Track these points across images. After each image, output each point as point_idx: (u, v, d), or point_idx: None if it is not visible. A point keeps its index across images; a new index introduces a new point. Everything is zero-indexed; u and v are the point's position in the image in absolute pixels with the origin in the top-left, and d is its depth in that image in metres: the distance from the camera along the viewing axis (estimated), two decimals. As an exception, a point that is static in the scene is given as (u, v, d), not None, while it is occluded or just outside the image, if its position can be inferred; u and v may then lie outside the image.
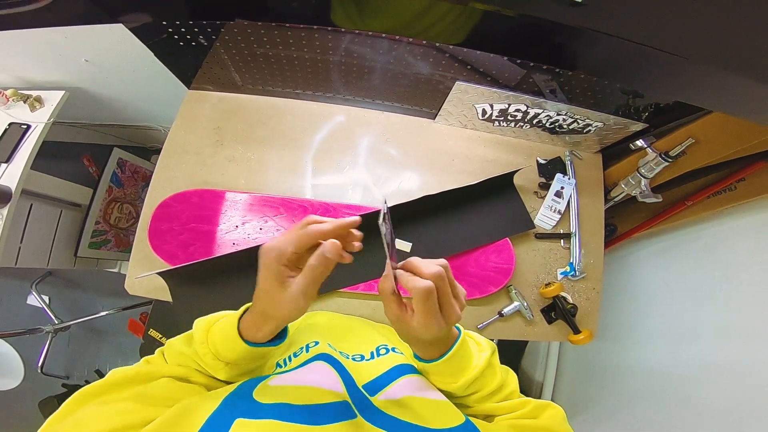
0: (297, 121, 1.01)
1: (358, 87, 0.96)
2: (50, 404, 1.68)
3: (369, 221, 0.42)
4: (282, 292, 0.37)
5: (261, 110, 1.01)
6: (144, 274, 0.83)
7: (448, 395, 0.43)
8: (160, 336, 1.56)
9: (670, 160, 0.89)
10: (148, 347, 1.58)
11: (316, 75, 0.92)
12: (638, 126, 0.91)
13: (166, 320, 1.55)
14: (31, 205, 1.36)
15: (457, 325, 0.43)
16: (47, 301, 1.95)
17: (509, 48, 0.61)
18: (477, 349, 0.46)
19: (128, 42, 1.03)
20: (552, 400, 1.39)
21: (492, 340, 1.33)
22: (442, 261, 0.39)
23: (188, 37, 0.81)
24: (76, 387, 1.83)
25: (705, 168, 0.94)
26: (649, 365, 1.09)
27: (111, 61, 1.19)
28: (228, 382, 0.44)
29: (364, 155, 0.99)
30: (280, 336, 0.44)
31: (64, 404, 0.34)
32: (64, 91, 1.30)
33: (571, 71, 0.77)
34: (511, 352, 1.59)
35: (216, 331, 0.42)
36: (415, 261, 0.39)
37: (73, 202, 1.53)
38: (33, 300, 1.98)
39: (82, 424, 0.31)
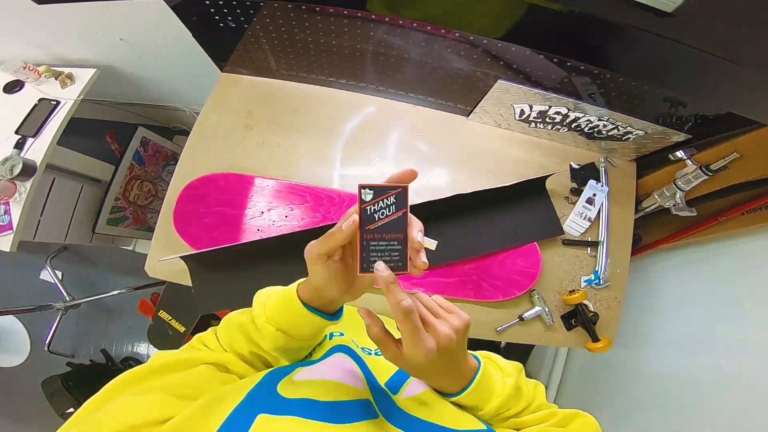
0: (328, 109, 1.00)
1: (392, 78, 0.94)
2: (54, 383, 1.70)
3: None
4: (320, 267, 0.38)
5: (293, 97, 1.01)
6: (167, 257, 0.83)
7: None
8: (170, 318, 1.57)
9: (711, 173, 0.86)
10: (157, 329, 1.58)
11: (351, 63, 0.91)
12: (681, 137, 0.88)
13: (177, 303, 1.55)
14: (54, 179, 1.38)
15: (476, 354, 0.44)
16: (60, 277, 1.97)
17: (556, 46, 0.59)
18: (501, 375, 0.44)
19: (165, 21, 1.03)
20: (554, 403, 1.38)
21: (501, 343, 1.29)
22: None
23: (229, 17, 0.80)
24: (80, 366, 1.86)
25: (743, 184, 0.92)
26: (660, 374, 1.08)
27: (146, 40, 1.20)
28: (265, 365, 0.44)
29: (393, 148, 0.98)
30: (335, 315, 0.45)
31: (102, 390, 0.34)
32: (95, 69, 1.31)
33: (619, 74, 0.75)
34: (516, 354, 1.58)
35: (274, 295, 0.44)
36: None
37: (95, 178, 1.55)
38: (46, 275, 2.00)
39: (112, 416, 0.31)
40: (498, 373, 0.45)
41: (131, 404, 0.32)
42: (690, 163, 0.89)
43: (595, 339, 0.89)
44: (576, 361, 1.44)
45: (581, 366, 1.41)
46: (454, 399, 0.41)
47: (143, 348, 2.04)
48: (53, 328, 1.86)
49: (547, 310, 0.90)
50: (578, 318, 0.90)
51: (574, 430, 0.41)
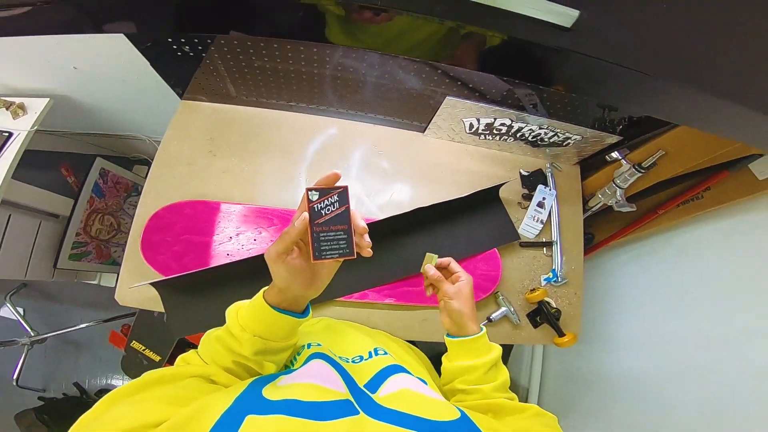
0: (291, 133, 1.03)
1: (350, 100, 0.99)
2: (27, 416, 1.62)
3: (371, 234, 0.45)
4: (281, 266, 0.44)
5: (255, 122, 1.03)
6: (138, 284, 0.82)
7: (464, 370, 0.58)
8: (143, 348, 1.53)
9: (643, 171, 0.95)
10: (131, 359, 1.54)
11: (309, 88, 0.94)
12: (613, 138, 0.97)
13: (150, 332, 1.51)
14: (10, 216, 1.32)
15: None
16: (22, 313, 1.87)
17: (494, 66, 0.64)
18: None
19: (120, 50, 1.02)
20: (538, 404, 1.44)
21: None
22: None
23: (185, 46, 0.82)
24: (53, 399, 1.78)
25: (675, 178, 1.00)
26: (627, 367, 1.14)
27: (101, 68, 1.18)
28: (250, 373, 0.48)
29: (356, 167, 1.02)
30: (303, 312, 0.49)
31: (97, 403, 0.36)
32: (48, 99, 1.27)
33: (550, 87, 0.82)
34: None
35: (244, 307, 0.48)
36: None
37: (53, 213, 1.49)
38: (7, 312, 1.90)
39: (109, 421, 0.33)
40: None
41: (126, 410, 0.35)
42: (624, 162, 0.97)
43: (561, 334, 0.94)
44: (553, 360, 1.50)
45: (557, 366, 1.47)
46: (474, 337, 0.59)
47: (117, 380, 1.97)
48: (20, 363, 1.76)
49: (512, 309, 0.95)
50: (542, 315, 0.96)
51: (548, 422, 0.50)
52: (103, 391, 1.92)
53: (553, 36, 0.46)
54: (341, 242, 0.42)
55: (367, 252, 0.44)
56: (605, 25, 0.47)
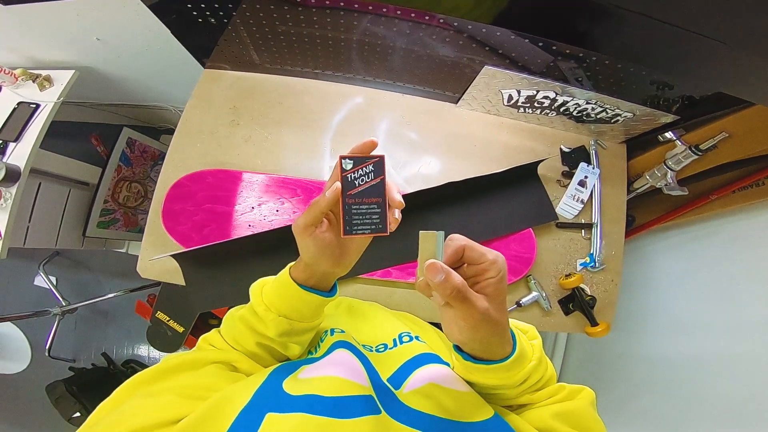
0: (315, 101, 0.98)
1: (378, 68, 0.93)
2: (58, 388, 1.69)
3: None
4: (309, 239, 0.40)
5: (278, 90, 0.99)
6: (157, 256, 0.82)
7: (483, 387, 0.41)
8: (168, 319, 1.56)
9: (700, 153, 0.87)
10: (156, 330, 1.58)
11: (336, 54, 0.89)
12: (669, 118, 0.88)
13: (174, 303, 1.54)
14: (40, 184, 1.35)
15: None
16: (54, 282, 1.95)
17: (540, 28, 0.58)
18: (525, 340, 0.42)
19: (142, 19, 1.00)
20: None
21: None
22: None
23: (207, 12, 0.78)
24: (83, 370, 1.86)
25: (733, 162, 0.92)
26: (661, 356, 1.09)
27: (123, 39, 1.17)
28: (273, 355, 0.46)
29: (383, 138, 0.97)
30: (330, 291, 0.46)
31: (115, 392, 0.35)
32: (74, 71, 1.28)
33: (605, 56, 0.74)
34: None
35: (269, 283, 0.46)
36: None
37: (82, 181, 1.52)
38: (40, 281, 1.98)
39: (125, 418, 0.32)
40: (524, 336, 0.43)
41: (143, 406, 0.33)
42: (679, 143, 0.90)
43: (594, 323, 0.89)
44: (576, 346, 1.45)
45: (581, 351, 1.42)
46: (504, 363, 0.37)
47: (143, 350, 2.04)
48: (52, 333, 1.85)
49: (544, 295, 0.91)
50: (575, 302, 0.91)
51: (581, 402, 0.41)
52: (130, 362, 2.00)
53: None
54: (374, 217, 0.39)
55: (393, 227, 0.40)
56: None
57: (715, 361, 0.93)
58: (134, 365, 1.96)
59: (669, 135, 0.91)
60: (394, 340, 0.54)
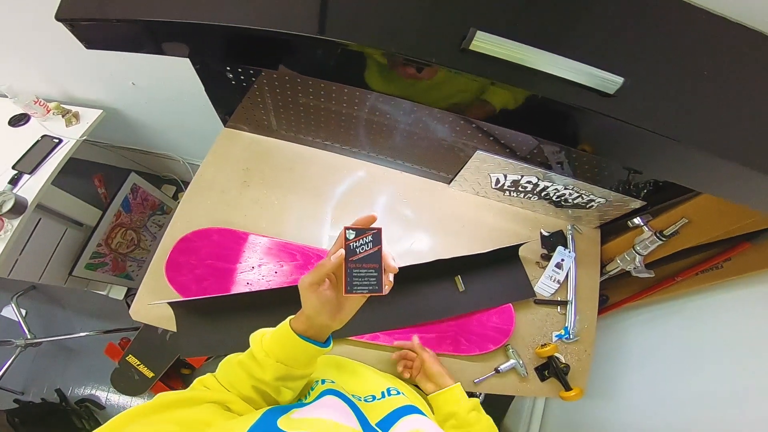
0: (322, 171, 1.07)
1: (381, 145, 1.03)
2: None
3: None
4: (313, 294, 0.47)
5: (289, 156, 1.08)
6: (157, 302, 0.84)
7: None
8: (138, 363, 1.52)
9: (664, 239, 0.94)
10: (122, 373, 1.53)
11: (345, 128, 1.00)
12: (637, 203, 0.99)
13: (149, 348, 1.51)
14: (40, 220, 1.37)
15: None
16: (23, 315, 1.88)
17: (527, 125, 0.67)
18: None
19: (177, 72, 1.07)
20: None
21: (479, 395, 1.31)
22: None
23: (240, 75, 0.88)
24: (29, 403, 1.73)
25: (695, 247, 1.00)
26: (632, 424, 1.11)
27: (155, 87, 1.24)
28: (267, 401, 0.49)
29: (380, 212, 1.05)
30: (326, 342, 0.52)
31: (110, 421, 0.36)
32: (101, 111, 1.34)
33: (579, 147, 0.84)
34: (495, 408, 1.57)
35: (270, 333, 0.51)
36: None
37: (80, 222, 1.54)
38: (9, 312, 1.90)
39: None
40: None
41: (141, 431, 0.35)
42: (646, 229, 0.97)
43: (568, 388, 0.93)
44: (553, 415, 1.45)
45: (558, 419, 1.42)
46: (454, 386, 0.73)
47: (102, 391, 1.92)
48: (7, 364, 1.74)
49: (521, 362, 0.95)
50: (551, 369, 0.95)
51: None
52: (85, 401, 1.88)
53: (595, 101, 0.49)
54: (371, 279, 0.45)
55: (388, 288, 0.47)
56: (647, 93, 0.51)
57: (675, 423, 0.97)
58: (89, 405, 1.84)
59: (637, 221, 0.98)
60: (382, 392, 0.58)
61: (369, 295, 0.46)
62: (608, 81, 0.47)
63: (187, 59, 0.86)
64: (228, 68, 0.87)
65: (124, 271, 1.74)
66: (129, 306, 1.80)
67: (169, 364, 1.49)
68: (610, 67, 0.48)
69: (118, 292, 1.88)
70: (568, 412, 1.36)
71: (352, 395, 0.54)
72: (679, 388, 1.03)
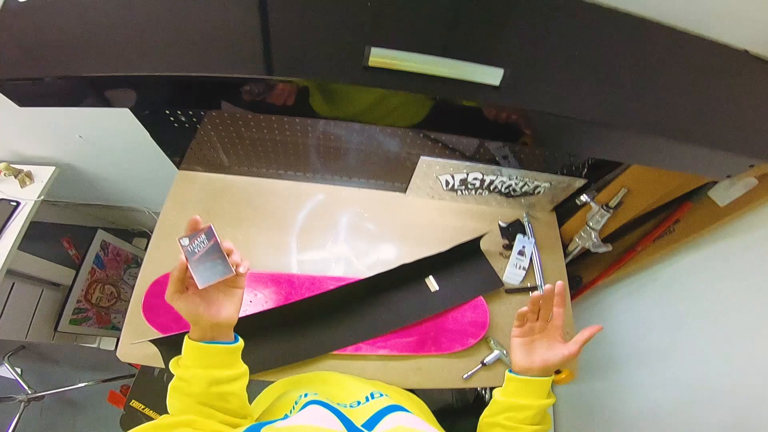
0: (281, 200, 1.09)
1: (335, 166, 1.06)
2: None
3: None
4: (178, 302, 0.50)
5: (247, 190, 1.09)
6: (138, 340, 0.85)
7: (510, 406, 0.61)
8: (143, 407, 1.53)
9: (611, 210, 0.99)
10: (130, 418, 1.54)
11: (296, 156, 1.02)
12: (579, 182, 1.04)
13: (149, 391, 1.52)
14: (13, 284, 1.36)
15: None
16: (19, 373, 1.87)
17: (457, 127, 0.68)
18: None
19: (123, 120, 1.02)
20: None
21: (484, 394, 1.32)
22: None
23: (182, 117, 0.89)
24: None
25: (645, 215, 1.06)
26: (638, 400, 1.16)
27: (104, 138, 1.22)
28: (222, 411, 0.52)
29: (344, 231, 1.08)
30: (233, 341, 0.55)
31: None
32: (54, 167, 1.30)
33: (514, 141, 0.89)
34: None
35: (182, 355, 0.54)
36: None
37: (55, 282, 1.53)
38: (5, 371, 1.89)
39: None
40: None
41: None
42: (594, 204, 1.02)
43: (557, 372, 0.95)
44: (563, 401, 1.50)
45: (569, 405, 1.47)
46: (546, 378, 0.62)
47: (117, 439, 1.94)
48: (14, 421, 1.74)
49: (504, 352, 0.98)
50: None
51: None
52: None
53: (487, 94, 0.53)
54: (218, 267, 0.49)
55: (244, 267, 0.52)
56: (533, 80, 0.55)
57: (688, 391, 1.01)
58: (106, 455, 1.85)
59: (584, 198, 1.02)
60: (366, 397, 0.60)
61: (224, 278, 0.49)
62: (490, 74, 0.52)
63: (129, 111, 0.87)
64: (169, 113, 0.88)
65: (109, 323, 1.75)
66: (121, 355, 1.82)
67: None
68: (494, 63, 0.52)
69: (108, 343, 1.89)
70: (578, 396, 1.41)
71: (337, 404, 0.55)
72: (673, 356, 1.07)
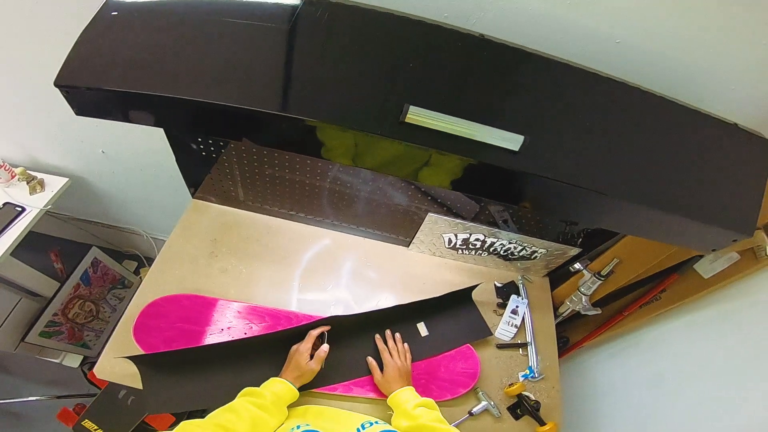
0: (288, 240, 1.13)
1: (344, 213, 1.11)
2: None
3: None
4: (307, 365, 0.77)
5: (257, 227, 1.13)
6: (124, 355, 0.82)
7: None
8: (95, 428, 1.43)
9: (603, 278, 1.06)
10: (77, 437, 1.42)
11: (309, 198, 1.07)
12: (574, 250, 1.11)
13: (107, 413, 1.42)
14: (-7, 288, 1.31)
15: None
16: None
17: (468, 187, 0.72)
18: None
19: (149, 141, 1.06)
20: None
21: None
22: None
23: (208, 143, 0.92)
24: None
25: (634, 283, 1.13)
26: None
27: (126, 157, 1.23)
28: None
29: (346, 276, 1.12)
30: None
31: None
32: (67, 179, 1.31)
33: (515, 204, 0.88)
34: None
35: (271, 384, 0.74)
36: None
37: (36, 293, 1.49)
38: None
39: None
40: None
41: None
42: (586, 272, 1.08)
43: (542, 423, 0.97)
44: None
45: None
46: (404, 389, 0.82)
47: (55, 457, 1.77)
48: None
49: (492, 403, 0.99)
50: (522, 407, 1.00)
51: None
52: None
53: (504, 158, 0.58)
54: None
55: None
56: (548, 148, 0.61)
57: None
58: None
59: (577, 266, 1.08)
60: (358, 429, 0.62)
61: None
62: (511, 140, 0.58)
63: (160, 129, 0.88)
64: (197, 139, 0.92)
65: (81, 340, 1.68)
66: (85, 374, 1.71)
67: (130, 428, 1.42)
68: (516, 130, 0.57)
69: (73, 360, 1.78)
70: None
71: None
72: (649, 413, 1.10)
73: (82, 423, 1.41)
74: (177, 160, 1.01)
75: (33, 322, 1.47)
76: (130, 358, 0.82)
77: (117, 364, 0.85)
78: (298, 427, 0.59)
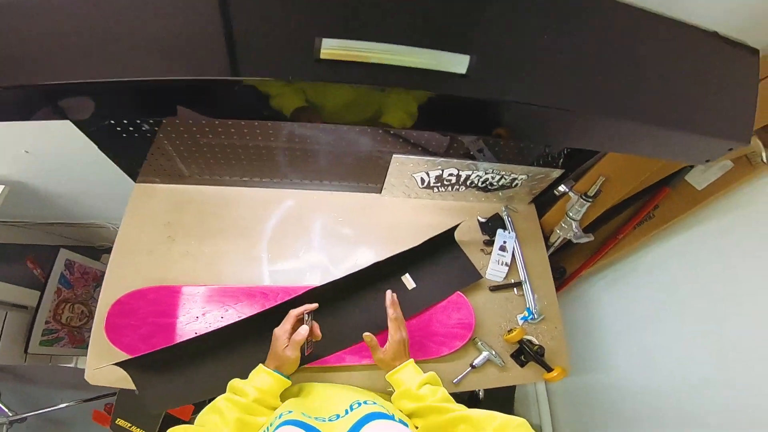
0: (248, 209, 1.03)
1: (304, 170, 1.01)
2: None
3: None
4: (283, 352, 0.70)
5: (210, 201, 1.03)
6: (101, 365, 0.80)
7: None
8: (129, 425, 1.49)
9: (591, 199, 0.98)
10: (118, 437, 1.49)
11: (261, 161, 0.96)
12: (557, 172, 1.01)
13: (133, 408, 1.48)
14: (-26, 309, 1.28)
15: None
16: (-2, 396, 1.80)
17: (431, 122, 0.66)
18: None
19: (72, 131, 0.99)
20: None
21: (479, 394, 1.32)
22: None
23: (130, 128, 0.82)
24: None
25: (624, 202, 1.05)
26: (632, 386, 1.16)
27: (53, 152, 1.14)
28: None
29: (318, 238, 1.03)
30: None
31: None
32: (3, 186, 1.22)
33: (487, 135, 0.84)
34: (498, 402, 1.57)
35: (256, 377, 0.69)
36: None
37: (20, 305, 1.46)
38: (-20, 396, 1.82)
39: None
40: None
41: None
42: (572, 194, 1.00)
43: (548, 369, 0.94)
44: (558, 396, 1.50)
45: (564, 399, 1.47)
46: (405, 365, 0.73)
47: (108, 458, 1.90)
48: None
49: (494, 353, 0.95)
50: (526, 353, 0.96)
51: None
52: None
53: (454, 84, 0.49)
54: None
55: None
56: (503, 67, 0.51)
57: (678, 378, 1.02)
58: (98, 476, 1.82)
59: (562, 188, 1.00)
60: (346, 410, 0.59)
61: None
62: (454, 62, 0.48)
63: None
64: (116, 124, 0.81)
65: (83, 342, 1.69)
66: (101, 373, 1.76)
67: (159, 420, 1.47)
68: (462, 51, 0.47)
69: (85, 362, 1.83)
70: (571, 389, 1.41)
71: (315, 417, 0.56)
72: (658, 340, 1.08)
73: (117, 422, 1.47)
74: (102, 150, 0.90)
75: (29, 333, 1.46)
76: (115, 364, 0.79)
77: (105, 369, 0.81)
78: (280, 416, 0.56)
